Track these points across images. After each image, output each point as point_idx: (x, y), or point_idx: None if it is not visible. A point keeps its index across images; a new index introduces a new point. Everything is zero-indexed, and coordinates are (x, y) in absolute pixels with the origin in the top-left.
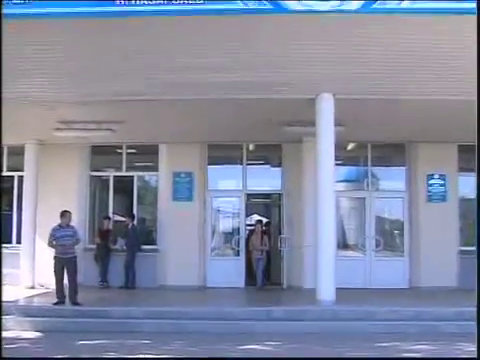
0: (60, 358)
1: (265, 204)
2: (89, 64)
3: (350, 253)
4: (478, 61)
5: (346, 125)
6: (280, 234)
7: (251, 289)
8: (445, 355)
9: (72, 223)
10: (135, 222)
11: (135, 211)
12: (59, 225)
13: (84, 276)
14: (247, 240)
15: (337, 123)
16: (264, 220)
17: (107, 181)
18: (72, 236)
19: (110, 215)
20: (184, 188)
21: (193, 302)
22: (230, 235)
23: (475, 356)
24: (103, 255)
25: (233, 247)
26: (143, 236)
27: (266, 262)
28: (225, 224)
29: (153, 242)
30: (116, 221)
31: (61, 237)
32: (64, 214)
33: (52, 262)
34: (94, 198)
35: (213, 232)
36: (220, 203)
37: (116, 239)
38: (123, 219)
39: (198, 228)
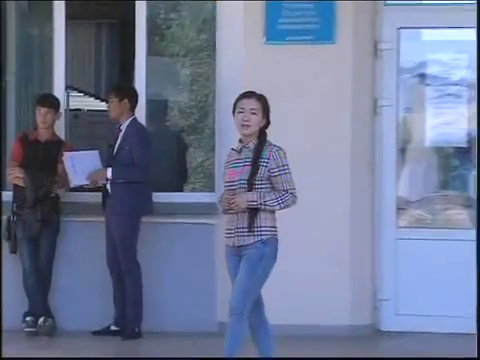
0: (62, 358)
1: None
2: None
3: None
4: (478, 62)
5: None
6: None
7: None
8: None
9: None
10: (140, 118)
11: (140, 83)
12: None
13: None
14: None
15: None
16: None
17: None
18: None
19: (57, 93)
20: (303, 9)
21: None
22: (454, 162)
23: (475, 356)
24: (34, 228)
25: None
26: (167, 164)
27: None
28: (439, 129)
29: (202, 182)
30: (75, 112)
31: None
32: None
33: None
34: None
35: (402, 151)
36: (424, 59)
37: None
38: (99, 107)
39: (353, 140)
